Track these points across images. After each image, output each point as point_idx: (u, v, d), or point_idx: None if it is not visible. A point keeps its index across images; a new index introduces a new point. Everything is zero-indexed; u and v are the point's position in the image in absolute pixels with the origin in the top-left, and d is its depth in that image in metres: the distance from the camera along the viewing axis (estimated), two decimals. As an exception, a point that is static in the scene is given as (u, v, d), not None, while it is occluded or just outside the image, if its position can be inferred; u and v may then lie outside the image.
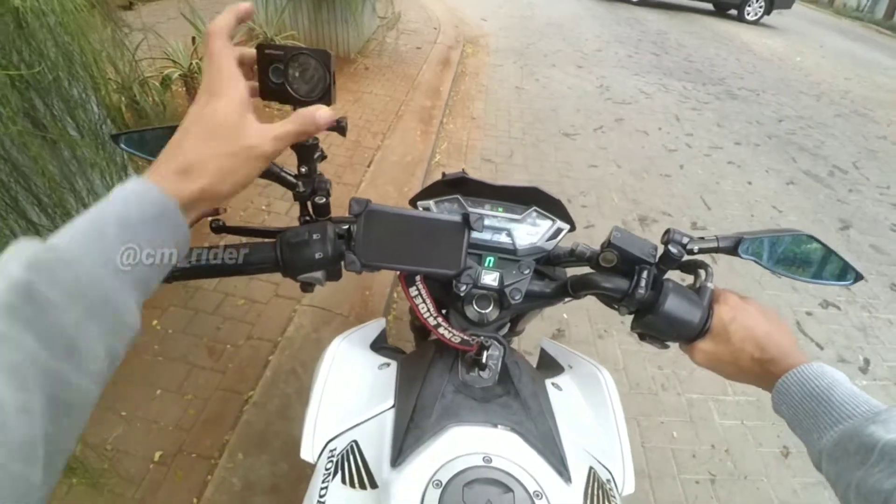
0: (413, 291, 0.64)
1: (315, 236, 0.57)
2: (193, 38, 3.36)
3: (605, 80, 5.46)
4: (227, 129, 0.39)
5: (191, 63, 3.07)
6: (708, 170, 3.86)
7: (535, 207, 0.73)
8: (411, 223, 0.58)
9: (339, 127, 0.60)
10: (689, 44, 7.77)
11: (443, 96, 4.08)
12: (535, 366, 0.92)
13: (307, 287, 0.63)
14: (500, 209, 0.74)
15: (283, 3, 4.02)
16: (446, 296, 0.69)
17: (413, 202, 0.75)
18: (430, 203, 0.74)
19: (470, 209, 0.73)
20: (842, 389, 0.44)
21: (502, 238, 0.72)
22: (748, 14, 10.50)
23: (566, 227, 0.74)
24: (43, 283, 0.28)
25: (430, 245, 0.58)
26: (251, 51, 0.47)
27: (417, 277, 0.64)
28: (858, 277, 0.61)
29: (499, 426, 0.56)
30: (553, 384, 0.73)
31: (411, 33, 5.64)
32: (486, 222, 0.73)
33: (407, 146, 3.21)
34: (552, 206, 0.73)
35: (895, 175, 4.28)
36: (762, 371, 0.52)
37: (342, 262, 0.59)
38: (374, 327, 0.89)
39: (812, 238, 0.61)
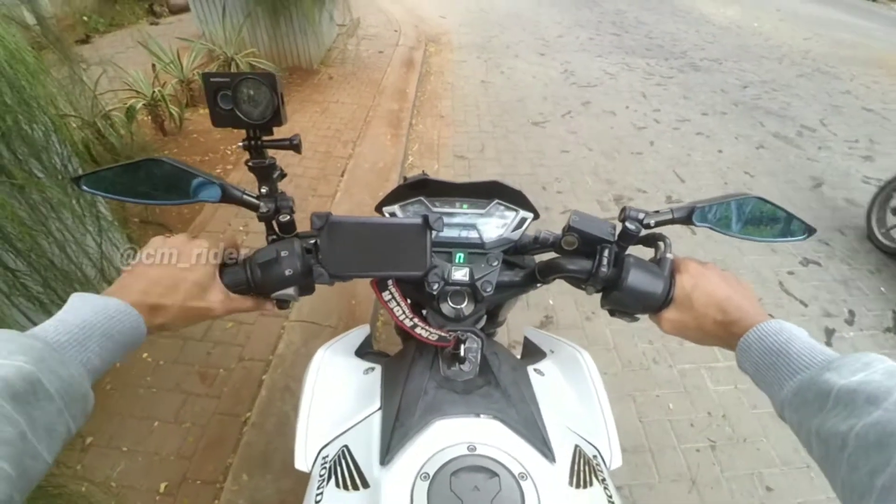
0: (387, 296, 0.65)
1: (283, 254, 0.58)
2: (154, 66, 3.33)
3: (569, 66, 5.51)
4: (195, 291, 0.53)
5: (153, 91, 3.04)
6: (678, 143, 3.92)
7: (497, 200, 0.75)
8: (374, 230, 0.60)
9: (292, 145, 0.61)
10: (648, 20, 7.86)
11: (409, 98, 4.09)
12: (520, 355, 0.94)
13: (283, 304, 0.63)
14: (465, 206, 0.75)
15: (240, 21, 4.00)
16: (421, 296, 0.71)
17: (378, 208, 0.77)
18: (396, 207, 0.75)
19: (434, 209, 0.75)
20: (799, 343, 0.46)
21: (470, 233, 0.74)
22: None
23: (530, 215, 0.76)
24: (45, 377, 0.36)
25: (394, 249, 0.60)
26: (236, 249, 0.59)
27: (390, 281, 0.65)
28: (810, 231, 0.63)
29: (481, 415, 0.58)
30: (535, 370, 0.75)
31: (372, 38, 5.63)
32: (453, 220, 0.74)
33: (378, 152, 3.22)
34: (514, 197, 0.75)
35: (861, 129, 4.37)
36: (725, 333, 0.54)
37: (312, 276, 0.60)
38: (357, 334, 0.90)
39: (761, 199, 0.63)
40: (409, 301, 0.67)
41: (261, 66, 3.85)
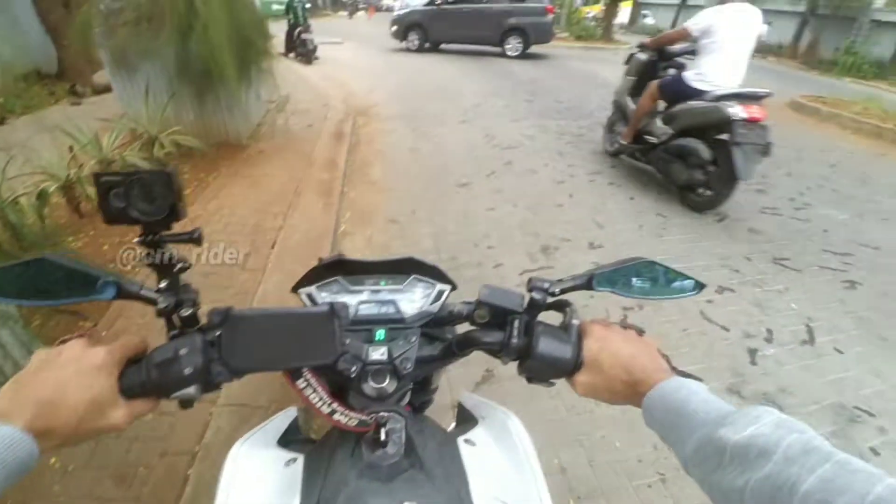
0: (301, 384, 0.62)
1: (182, 351, 0.54)
2: (71, 147, 3.21)
3: (490, 130, 5.88)
4: (92, 409, 0.47)
5: (68, 174, 2.92)
6: (594, 193, 4.24)
7: (414, 275, 0.77)
8: (279, 321, 0.58)
9: (192, 238, 0.60)
10: (558, 87, 8.62)
11: (340, 167, 4.17)
12: (456, 421, 0.92)
13: (186, 404, 0.58)
14: (383, 282, 0.77)
15: (163, 100, 3.97)
16: (342, 378, 0.68)
17: (295, 289, 0.76)
18: (312, 289, 0.75)
19: (352, 288, 0.76)
20: (696, 399, 0.48)
21: (389, 309, 0.75)
22: (508, 51, 11.93)
23: (447, 287, 0.78)
24: None
25: (302, 338, 0.58)
26: (134, 344, 0.55)
27: (304, 369, 0.62)
28: (700, 287, 0.69)
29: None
30: (466, 440, 0.73)
31: (302, 113, 5.77)
32: (372, 297, 0.75)
33: (310, 221, 3.22)
34: (430, 271, 0.77)
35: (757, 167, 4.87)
36: (632, 392, 0.55)
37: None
38: (282, 419, 0.84)
39: (652, 262, 0.68)
40: (327, 386, 0.64)
41: (186, 144, 3.82)
